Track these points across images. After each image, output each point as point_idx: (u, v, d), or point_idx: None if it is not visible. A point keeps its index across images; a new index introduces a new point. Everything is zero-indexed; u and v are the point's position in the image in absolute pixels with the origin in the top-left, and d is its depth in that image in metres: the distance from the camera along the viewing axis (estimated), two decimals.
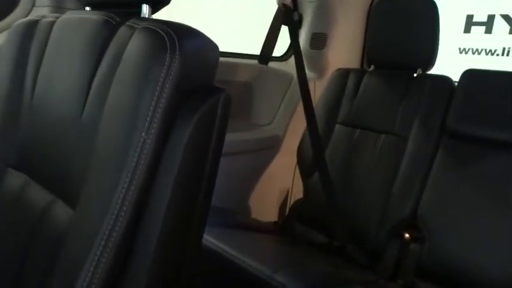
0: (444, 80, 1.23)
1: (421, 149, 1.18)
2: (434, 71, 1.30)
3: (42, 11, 0.95)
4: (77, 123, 0.60)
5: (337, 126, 1.38)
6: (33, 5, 0.95)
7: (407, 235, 1.15)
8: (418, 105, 1.21)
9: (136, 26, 0.57)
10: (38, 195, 0.66)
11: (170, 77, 0.53)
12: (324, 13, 1.60)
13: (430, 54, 1.24)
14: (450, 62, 2.21)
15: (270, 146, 1.59)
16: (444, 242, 1.09)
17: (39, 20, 0.73)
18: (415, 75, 1.28)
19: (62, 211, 0.61)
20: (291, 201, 1.59)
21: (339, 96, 1.40)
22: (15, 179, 0.70)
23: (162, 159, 0.53)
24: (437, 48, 1.24)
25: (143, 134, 0.52)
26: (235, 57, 1.57)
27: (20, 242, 0.66)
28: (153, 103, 0.52)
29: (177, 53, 0.53)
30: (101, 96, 0.56)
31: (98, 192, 0.54)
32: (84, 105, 0.60)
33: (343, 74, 1.41)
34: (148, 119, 0.52)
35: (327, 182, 1.25)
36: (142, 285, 0.53)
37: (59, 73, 0.66)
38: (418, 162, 1.17)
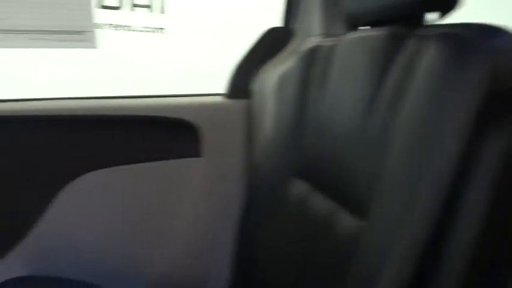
0: None
1: None
2: None
3: (314, 40, 1.06)
4: (362, 135, 0.62)
5: None
6: (307, 35, 1.07)
7: None
8: None
9: (428, 34, 0.56)
10: (321, 204, 0.71)
11: (479, 82, 0.48)
12: None
13: None
14: None
15: None
16: None
17: (319, 45, 0.81)
18: None
19: (346, 221, 0.63)
20: None
21: None
22: (299, 188, 0.78)
23: (470, 173, 0.49)
24: None
25: (448, 145, 0.49)
26: None
27: (302, 249, 0.72)
28: (460, 112, 0.48)
29: (485, 55, 0.48)
30: (391, 108, 0.57)
31: (393, 204, 0.53)
32: (369, 118, 0.62)
33: None
34: (454, 129, 0.49)
35: None
36: None
37: (342, 90, 0.70)
38: None
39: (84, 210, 1.04)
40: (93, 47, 1.04)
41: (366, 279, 0.54)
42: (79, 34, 1.02)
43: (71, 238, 1.03)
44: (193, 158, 1.10)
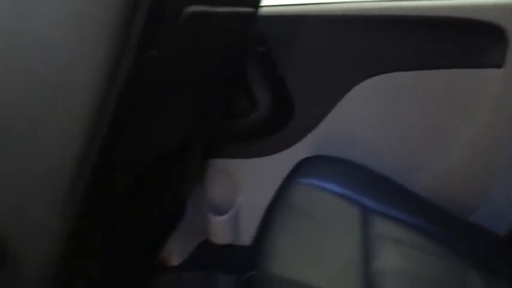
0: None
1: None
2: None
3: None
4: None
5: None
6: None
7: None
8: None
9: None
10: None
11: None
12: None
13: None
14: None
15: None
16: None
17: None
18: None
19: None
20: None
21: None
22: None
23: None
24: None
25: None
26: None
27: None
28: None
29: None
30: None
31: None
32: None
33: None
34: None
35: None
36: None
37: None
38: None
39: (373, 108, 1.06)
40: None
41: None
42: None
43: (356, 130, 1.09)
44: (494, 69, 0.97)
